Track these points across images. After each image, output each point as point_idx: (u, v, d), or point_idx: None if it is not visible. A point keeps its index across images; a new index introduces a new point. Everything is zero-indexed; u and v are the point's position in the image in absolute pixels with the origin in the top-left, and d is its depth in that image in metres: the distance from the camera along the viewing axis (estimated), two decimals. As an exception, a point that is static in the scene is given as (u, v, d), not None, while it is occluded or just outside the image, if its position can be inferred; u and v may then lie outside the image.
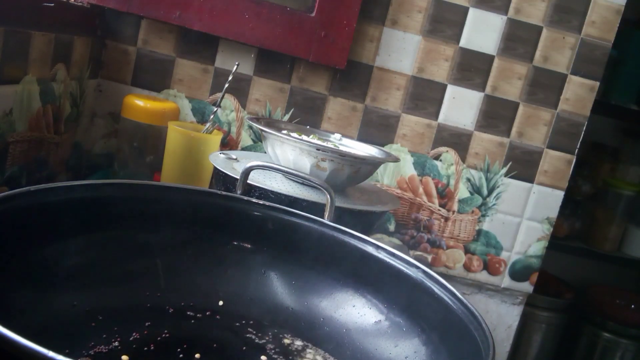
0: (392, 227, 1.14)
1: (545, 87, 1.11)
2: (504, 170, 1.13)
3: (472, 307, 0.50)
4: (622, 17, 1.09)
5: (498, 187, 1.14)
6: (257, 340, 0.56)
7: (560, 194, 1.14)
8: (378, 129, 1.11)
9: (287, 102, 1.09)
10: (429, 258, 1.15)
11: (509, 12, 1.08)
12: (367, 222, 0.81)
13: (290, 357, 0.55)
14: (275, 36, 1.01)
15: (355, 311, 0.59)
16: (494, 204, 1.14)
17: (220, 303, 0.59)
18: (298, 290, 0.62)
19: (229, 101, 1.09)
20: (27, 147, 0.83)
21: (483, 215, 1.14)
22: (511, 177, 1.14)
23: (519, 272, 1.17)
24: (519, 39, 1.09)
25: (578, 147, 1.13)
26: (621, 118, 1.76)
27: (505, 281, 1.17)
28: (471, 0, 1.08)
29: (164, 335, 0.53)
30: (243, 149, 1.11)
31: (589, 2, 1.08)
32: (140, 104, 0.94)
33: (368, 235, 0.61)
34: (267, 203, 0.64)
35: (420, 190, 1.13)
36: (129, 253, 0.56)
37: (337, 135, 0.94)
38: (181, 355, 0.51)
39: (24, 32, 0.76)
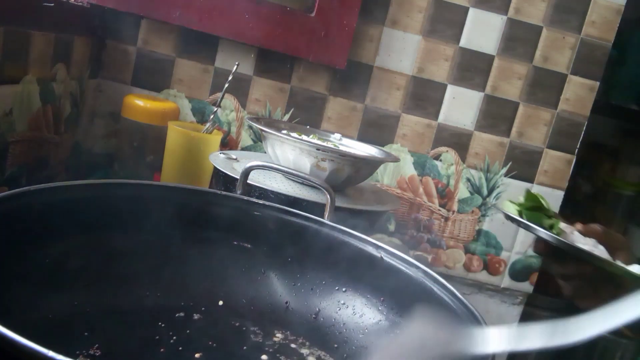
0: (392, 227, 1.14)
1: (545, 87, 1.11)
2: (504, 170, 1.13)
3: (472, 307, 0.49)
4: (622, 17, 1.09)
5: (498, 187, 1.14)
6: (257, 340, 0.56)
7: (560, 194, 1.14)
8: (378, 129, 1.11)
9: (287, 102, 1.09)
10: (429, 258, 1.15)
11: (509, 12, 1.08)
12: (367, 222, 0.81)
13: (290, 357, 0.55)
14: (275, 36, 1.01)
15: (355, 311, 0.59)
16: (494, 204, 1.14)
17: (220, 303, 0.59)
18: (298, 290, 0.62)
19: (229, 101, 1.09)
20: (27, 147, 0.82)
21: (483, 215, 1.14)
22: (511, 177, 1.14)
23: (519, 272, 1.17)
24: (519, 39, 1.09)
25: (578, 147, 1.13)
26: (621, 118, 1.76)
27: (505, 281, 1.17)
28: (471, 0, 1.08)
29: (164, 335, 0.53)
30: (243, 149, 1.11)
31: (589, 2, 1.08)
32: (140, 104, 0.94)
33: (368, 235, 0.61)
34: (267, 203, 0.64)
35: (420, 190, 1.13)
36: (129, 253, 0.56)
37: (337, 135, 0.94)
38: (181, 355, 0.51)
39: (24, 32, 0.76)
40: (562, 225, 0.62)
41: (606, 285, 0.63)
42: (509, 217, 0.62)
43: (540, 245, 0.63)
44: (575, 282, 0.65)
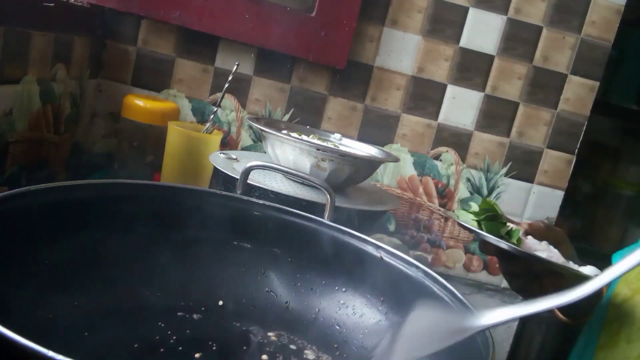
0: (392, 227, 1.14)
1: (545, 87, 1.11)
2: (504, 170, 1.13)
3: (472, 307, 0.49)
4: (622, 17, 1.09)
5: (498, 187, 1.14)
6: (257, 340, 0.56)
7: (560, 194, 1.14)
8: (378, 129, 1.11)
9: (287, 102, 1.09)
10: (429, 258, 1.15)
11: (509, 12, 1.08)
12: (367, 222, 0.81)
13: (290, 357, 0.55)
14: (275, 36, 1.01)
15: (355, 311, 0.59)
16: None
17: (220, 303, 0.59)
18: (298, 290, 0.62)
19: (229, 101, 1.09)
20: (27, 147, 0.83)
21: (483, 215, 1.14)
22: (511, 177, 1.14)
23: (519, 272, 1.17)
24: (519, 39, 1.09)
25: (578, 147, 1.13)
26: (621, 118, 1.76)
27: (505, 281, 1.17)
28: (471, 0, 1.08)
29: (164, 335, 0.53)
30: (243, 149, 1.11)
31: (589, 2, 1.08)
32: (140, 104, 0.94)
33: (368, 235, 0.61)
34: (267, 203, 0.64)
35: (420, 190, 1.13)
36: (129, 253, 0.56)
37: (337, 135, 0.94)
38: (181, 355, 0.51)
39: (24, 32, 0.76)
40: (512, 226, 0.64)
41: (551, 279, 0.67)
42: (467, 229, 0.63)
43: (490, 247, 0.64)
44: (523, 279, 0.69)
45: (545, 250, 0.63)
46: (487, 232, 0.61)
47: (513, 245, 0.59)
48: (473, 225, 0.63)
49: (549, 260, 0.60)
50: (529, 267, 0.67)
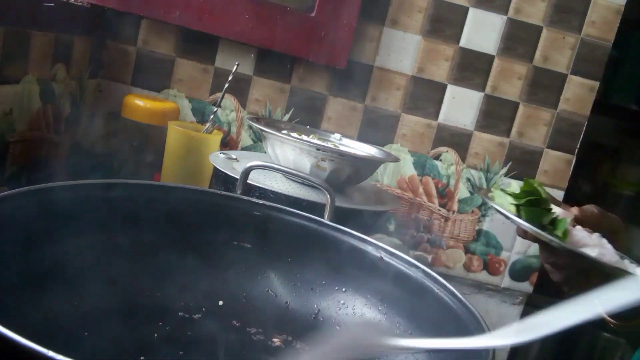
0: (392, 227, 1.14)
1: (545, 87, 1.11)
2: (504, 170, 1.13)
3: (472, 307, 0.50)
4: (622, 17, 1.09)
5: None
6: (257, 340, 0.56)
7: (560, 194, 1.14)
8: (378, 129, 1.11)
9: (287, 102, 1.09)
10: (429, 258, 1.15)
11: (509, 12, 1.08)
12: (367, 222, 0.81)
13: (290, 357, 0.55)
14: (275, 36, 1.01)
15: (355, 311, 0.59)
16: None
17: (220, 303, 0.59)
18: (298, 290, 0.62)
19: (229, 101, 1.09)
20: (27, 147, 0.82)
21: (483, 215, 1.14)
22: (511, 177, 1.13)
23: (518, 272, 1.17)
24: (519, 39, 1.09)
25: (578, 147, 1.13)
26: (621, 118, 1.76)
27: (505, 281, 1.17)
28: (471, 0, 1.08)
29: (164, 335, 0.53)
30: (243, 149, 1.11)
31: (589, 2, 1.08)
32: (140, 104, 0.95)
33: (368, 235, 0.61)
34: (267, 203, 0.64)
35: (420, 190, 1.13)
36: (129, 253, 0.56)
37: (337, 135, 0.94)
38: (181, 355, 0.51)
39: (24, 32, 0.76)
40: (559, 211, 0.56)
41: (599, 275, 0.57)
42: (502, 215, 0.55)
43: (529, 233, 0.55)
44: (567, 272, 0.61)
45: (596, 246, 0.53)
46: (527, 220, 0.52)
47: (557, 240, 0.51)
48: (511, 211, 0.54)
49: (598, 261, 0.51)
50: (573, 260, 0.58)
